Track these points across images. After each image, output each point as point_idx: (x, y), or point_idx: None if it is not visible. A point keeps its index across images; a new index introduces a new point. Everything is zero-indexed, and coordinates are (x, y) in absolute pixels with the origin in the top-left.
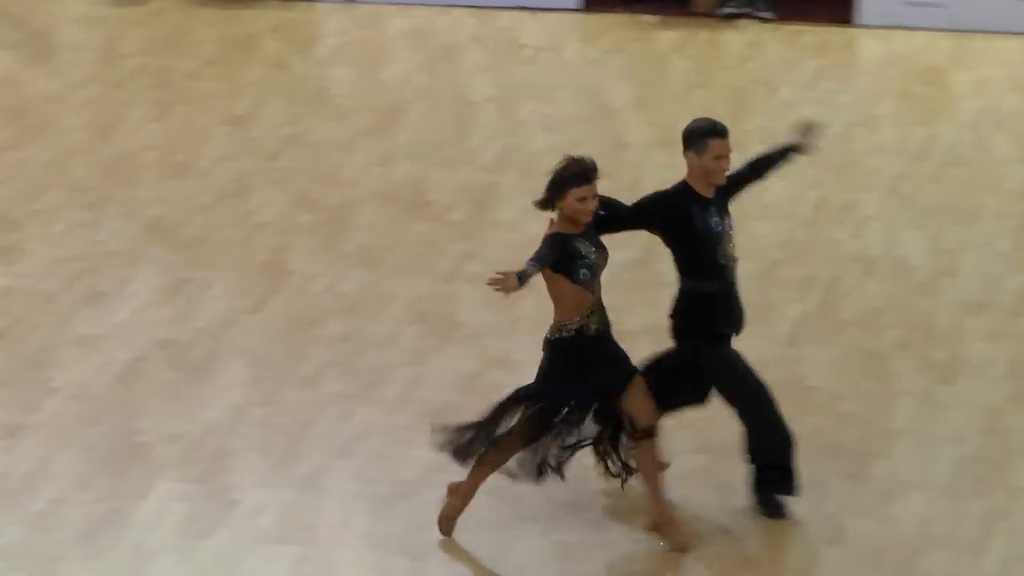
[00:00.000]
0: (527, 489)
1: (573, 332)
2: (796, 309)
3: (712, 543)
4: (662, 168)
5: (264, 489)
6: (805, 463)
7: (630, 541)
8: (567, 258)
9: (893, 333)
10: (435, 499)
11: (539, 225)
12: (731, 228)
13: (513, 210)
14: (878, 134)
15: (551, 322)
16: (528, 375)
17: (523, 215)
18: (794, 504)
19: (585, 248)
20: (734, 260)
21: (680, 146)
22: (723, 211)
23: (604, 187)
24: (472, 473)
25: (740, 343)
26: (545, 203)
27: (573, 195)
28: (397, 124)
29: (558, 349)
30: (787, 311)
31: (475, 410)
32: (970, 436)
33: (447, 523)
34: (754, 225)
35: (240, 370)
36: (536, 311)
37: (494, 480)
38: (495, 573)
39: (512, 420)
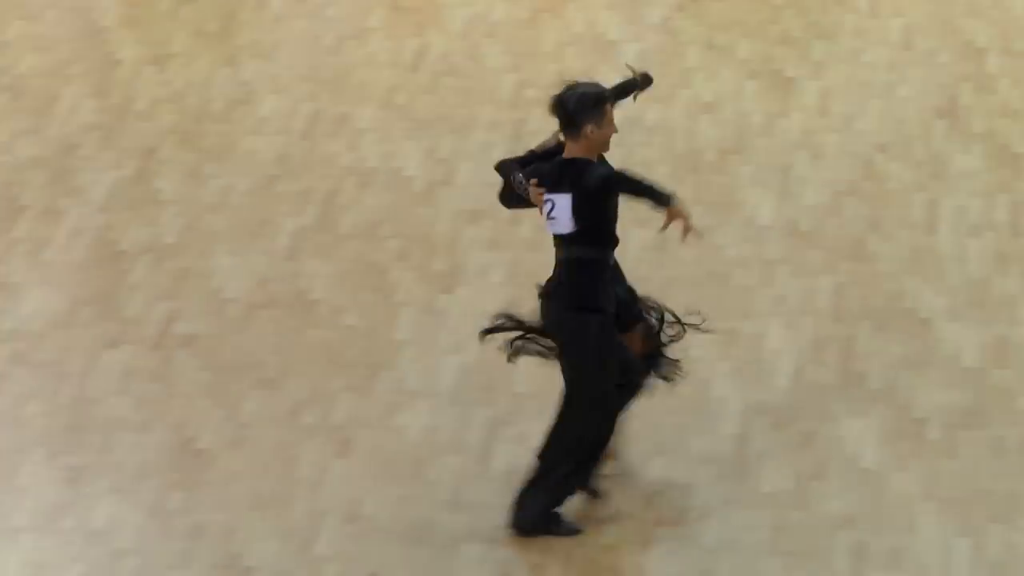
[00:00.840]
0: (31, 413)
1: None
2: (294, 223)
3: None
4: (154, 85)
5: None
6: (310, 378)
7: (135, 463)
8: None
9: (392, 244)
10: None
11: (28, 148)
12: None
13: (4, 134)
14: (369, 46)
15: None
16: (27, 298)
17: (13, 139)
18: (299, 418)
19: None
20: None
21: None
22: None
23: (95, 107)
24: None
25: (238, 259)
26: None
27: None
28: None
29: None
30: (285, 225)
31: None
32: (472, 344)
33: None
34: (248, 140)
35: None
36: (29, 233)
37: None
38: None
39: None
